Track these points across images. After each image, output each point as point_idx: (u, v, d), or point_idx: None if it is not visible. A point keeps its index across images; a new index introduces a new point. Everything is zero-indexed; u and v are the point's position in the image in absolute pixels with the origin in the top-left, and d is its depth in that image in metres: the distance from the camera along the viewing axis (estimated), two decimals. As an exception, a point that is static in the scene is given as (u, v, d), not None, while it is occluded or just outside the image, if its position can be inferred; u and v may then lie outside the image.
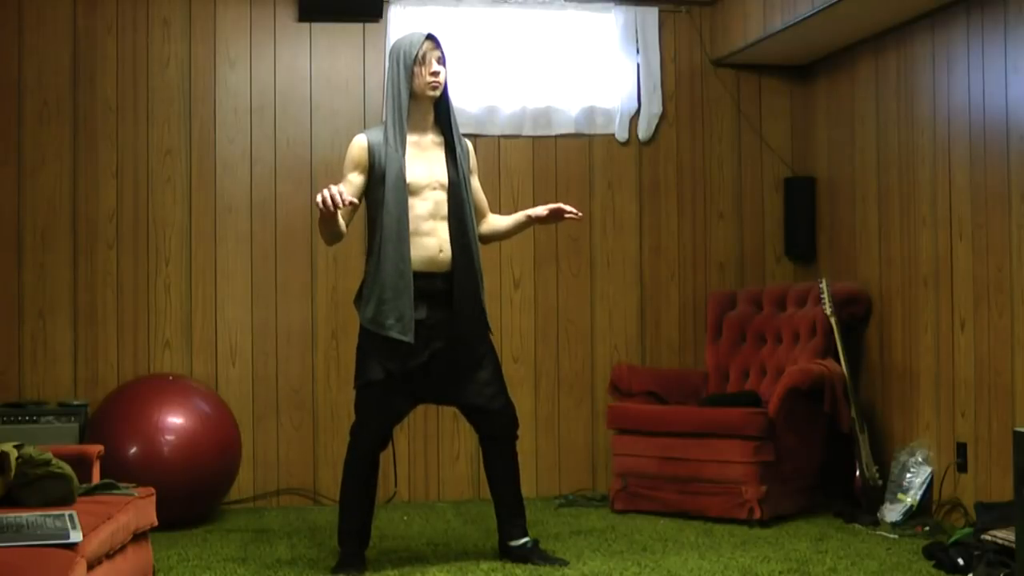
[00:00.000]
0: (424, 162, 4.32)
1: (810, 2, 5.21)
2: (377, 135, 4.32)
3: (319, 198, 4.04)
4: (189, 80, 5.83)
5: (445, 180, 4.33)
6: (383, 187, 4.25)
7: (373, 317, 4.23)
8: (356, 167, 4.31)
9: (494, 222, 4.59)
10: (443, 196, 4.32)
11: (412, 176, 4.28)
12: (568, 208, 4.45)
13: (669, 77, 6.25)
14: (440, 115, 4.38)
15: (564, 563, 4.35)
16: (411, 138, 4.33)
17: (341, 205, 4.04)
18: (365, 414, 4.31)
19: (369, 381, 4.27)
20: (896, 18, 5.34)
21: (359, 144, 4.32)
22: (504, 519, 4.45)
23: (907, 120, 5.43)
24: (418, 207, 4.28)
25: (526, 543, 4.42)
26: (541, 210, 4.49)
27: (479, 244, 4.43)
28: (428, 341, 4.26)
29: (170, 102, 5.81)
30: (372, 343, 4.26)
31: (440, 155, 4.36)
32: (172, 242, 5.78)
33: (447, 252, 4.29)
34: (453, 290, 4.29)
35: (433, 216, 4.30)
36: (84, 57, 5.74)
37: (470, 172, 4.46)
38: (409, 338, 4.20)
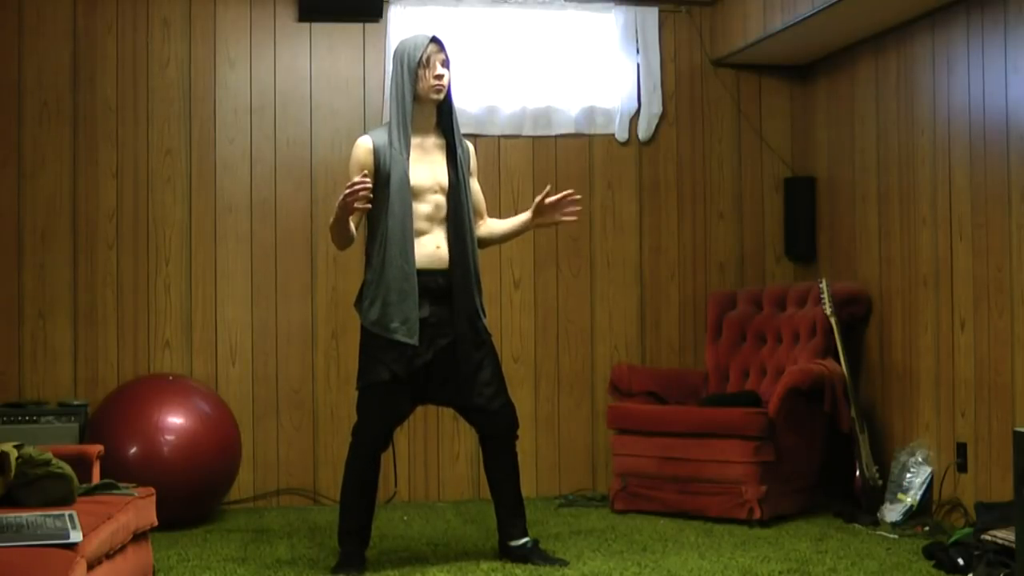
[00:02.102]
0: (426, 165, 4.33)
1: (810, 2, 5.21)
2: (381, 137, 4.31)
3: (347, 195, 4.07)
4: (189, 80, 5.83)
5: (445, 183, 4.34)
6: (387, 190, 4.25)
7: (377, 320, 4.24)
8: (362, 170, 4.29)
9: (492, 226, 4.59)
10: (443, 199, 4.34)
11: (416, 179, 4.29)
12: (570, 195, 4.39)
13: (669, 77, 6.25)
14: (443, 117, 4.39)
15: (564, 563, 4.35)
16: (414, 140, 4.33)
17: (368, 192, 4.07)
18: (367, 415, 4.32)
19: (373, 382, 4.27)
20: (896, 18, 5.34)
21: (364, 146, 4.31)
22: (504, 519, 4.45)
23: (907, 120, 5.43)
24: (419, 209, 4.29)
25: (526, 543, 4.42)
26: (543, 201, 4.41)
27: (477, 247, 4.43)
28: (432, 339, 4.28)
29: (170, 102, 5.81)
30: (376, 345, 4.26)
31: (441, 158, 4.37)
32: (172, 242, 5.78)
33: (444, 250, 4.31)
34: (452, 288, 4.30)
35: (432, 218, 4.32)
36: (84, 57, 5.74)
37: (470, 174, 4.46)
38: (414, 341, 4.21)
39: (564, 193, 4.43)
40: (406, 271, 4.22)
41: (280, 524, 5.29)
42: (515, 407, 4.47)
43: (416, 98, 4.29)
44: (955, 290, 5.05)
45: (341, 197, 4.11)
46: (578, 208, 4.44)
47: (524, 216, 4.53)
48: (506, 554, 4.44)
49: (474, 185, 4.51)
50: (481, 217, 4.55)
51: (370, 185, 4.11)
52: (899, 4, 5.10)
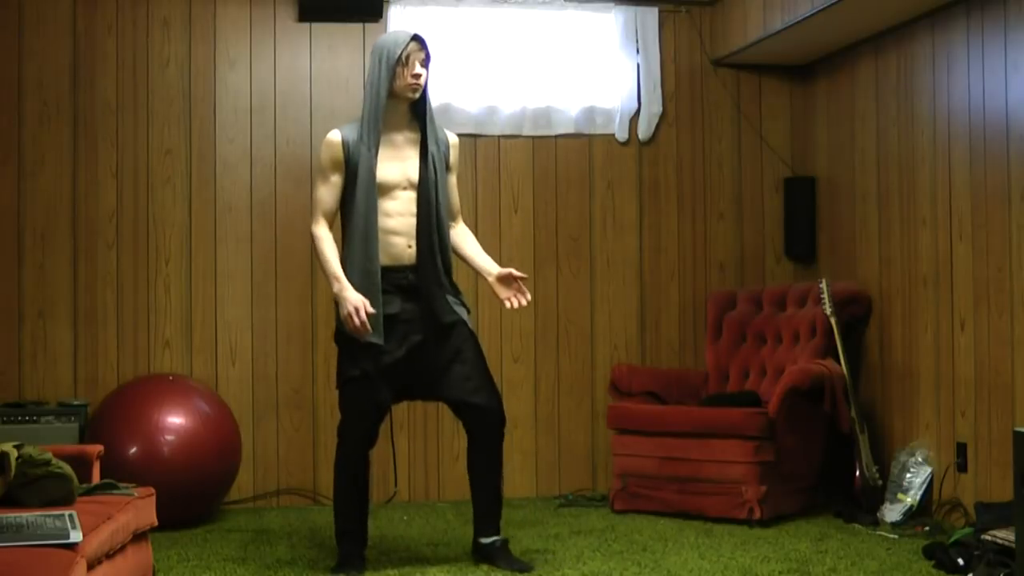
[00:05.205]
0: (397, 161, 4.28)
1: (810, 2, 5.21)
2: (351, 132, 4.27)
3: (354, 319, 4.13)
4: (189, 80, 5.83)
5: (416, 178, 4.28)
6: (354, 185, 4.23)
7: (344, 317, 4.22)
8: (335, 168, 4.27)
9: (462, 241, 4.48)
10: (413, 195, 4.28)
11: (383, 175, 4.24)
12: (517, 274, 4.35)
13: (669, 77, 6.24)
14: (417, 113, 4.33)
15: (528, 568, 4.28)
16: (386, 136, 4.28)
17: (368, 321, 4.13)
18: (347, 412, 4.32)
19: (347, 379, 4.27)
20: (896, 18, 5.34)
21: (334, 141, 4.27)
22: (478, 515, 4.39)
23: (907, 120, 5.43)
24: (388, 205, 4.25)
25: (494, 542, 4.36)
26: (495, 274, 4.39)
27: (448, 243, 4.34)
28: (405, 335, 4.24)
29: (170, 102, 5.81)
30: (346, 342, 4.25)
31: (414, 153, 4.31)
32: (172, 242, 5.78)
33: (414, 248, 4.26)
34: (418, 284, 4.26)
35: (402, 214, 4.26)
36: (84, 57, 5.74)
37: (448, 169, 4.39)
38: (378, 340, 4.18)
39: (520, 275, 4.35)
40: (369, 269, 4.19)
41: (280, 524, 5.29)
42: (501, 402, 4.38)
43: (391, 95, 4.25)
44: (955, 290, 5.05)
45: (346, 311, 4.14)
46: (523, 300, 4.33)
47: (490, 269, 4.42)
48: (476, 551, 4.39)
49: (450, 181, 4.42)
50: (451, 218, 4.45)
51: (371, 331, 4.15)
52: (899, 4, 5.10)
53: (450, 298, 4.31)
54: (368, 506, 4.39)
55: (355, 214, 4.22)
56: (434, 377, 4.31)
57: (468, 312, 4.39)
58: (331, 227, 4.32)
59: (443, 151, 4.37)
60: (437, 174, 4.30)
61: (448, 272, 4.33)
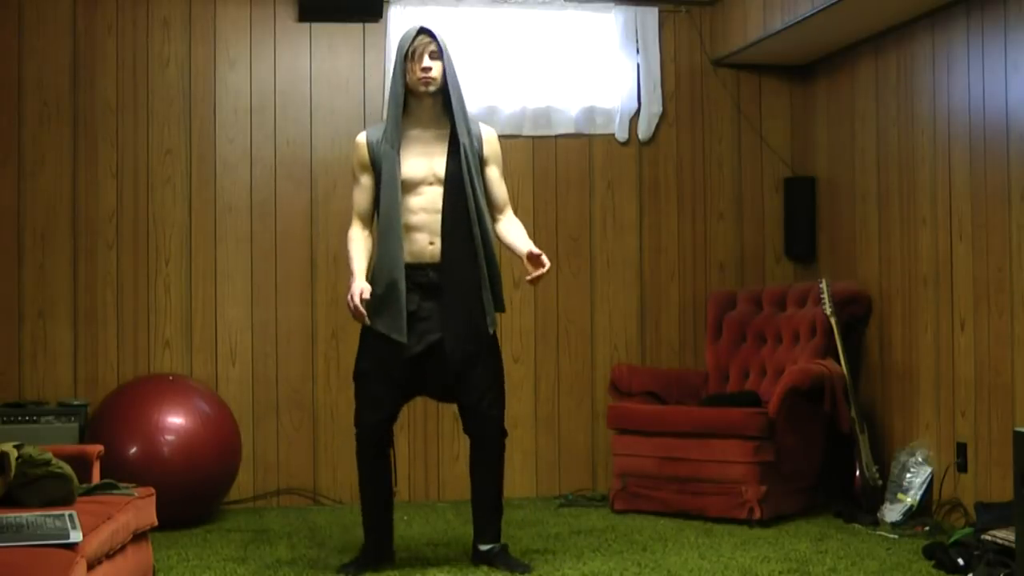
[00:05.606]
0: (423, 156, 4.26)
1: (810, 2, 5.21)
2: (376, 133, 4.30)
3: (348, 303, 4.19)
4: (189, 80, 5.83)
5: (442, 174, 4.25)
6: (379, 184, 4.25)
7: (367, 312, 4.21)
8: (363, 169, 4.30)
9: (505, 229, 4.40)
10: (439, 190, 4.25)
11: (408, 171, 4.24)
12: (535, 251, 4.25)
13: (669, 77, 6.25)
14: (447, 107, 4.28)
15: (527, 569, 4.27)
16: (412, 132, 4.28)
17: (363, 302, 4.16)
18: (358, 403, 4.32)
19: (358, 372, 4.29)
20: (896, 18, 5.34)
21: (359, 143, 4.32)
22: (478, 521, 4.38)
23: (907, 120, 5.43)
24: (412, 202, 4.24)
25: (493, 548, 4.36)
26: (524, 253, 4.30)
27: (489, 239, 4.28)
28: (423, 333, 4.22)
29: (170, 102, 5.81)
30: (366, 335, 4.26)
31: (442, 148, 4.27)
32: (172, 242, 5.78)
33: (437, 245, 4.23)
34: (442, 284, 4.24)
35: (426, 210, 4.23)
36: (84, 57, 5.74)
37: (485, 162, 4.33)
38: (401, 337, 4.17)
39: (537, 252, 4.25)
40: (391, 266, 4.18)
41: (280, 524, 5.29)
42: (503, 413, 4.34)
43: (408, 90, 4.25)
44: (955, 290, 5.05)
45: (349, 297, 4.18)
46: (541, 271, 4.22)
47: (522, 249, 4.31)
48: (475, 556, 4.39)
49: (490, 175, 4.36)
50: (498, 210, 4.40)
51: (366, 318, 4.18)
52: (899, 4, 5.10)
53: (484, 297, 4.25)
54: (384, 502, 4.34)
55: (380, 211, 4.24)
56: (446, 379, 4.28)
57: (499, 311, 4.31)
58: (368, 227, 4.33)
59: (476, 145, 4.31)
60: (470, 168, 4.24)
61: (491, 267, 4.27)
